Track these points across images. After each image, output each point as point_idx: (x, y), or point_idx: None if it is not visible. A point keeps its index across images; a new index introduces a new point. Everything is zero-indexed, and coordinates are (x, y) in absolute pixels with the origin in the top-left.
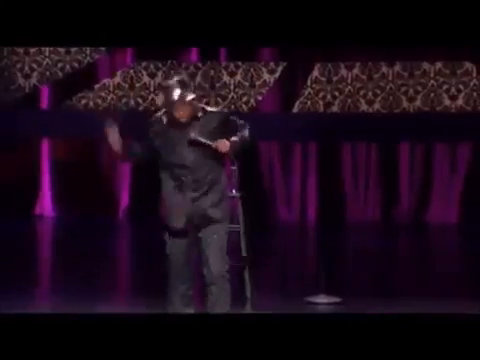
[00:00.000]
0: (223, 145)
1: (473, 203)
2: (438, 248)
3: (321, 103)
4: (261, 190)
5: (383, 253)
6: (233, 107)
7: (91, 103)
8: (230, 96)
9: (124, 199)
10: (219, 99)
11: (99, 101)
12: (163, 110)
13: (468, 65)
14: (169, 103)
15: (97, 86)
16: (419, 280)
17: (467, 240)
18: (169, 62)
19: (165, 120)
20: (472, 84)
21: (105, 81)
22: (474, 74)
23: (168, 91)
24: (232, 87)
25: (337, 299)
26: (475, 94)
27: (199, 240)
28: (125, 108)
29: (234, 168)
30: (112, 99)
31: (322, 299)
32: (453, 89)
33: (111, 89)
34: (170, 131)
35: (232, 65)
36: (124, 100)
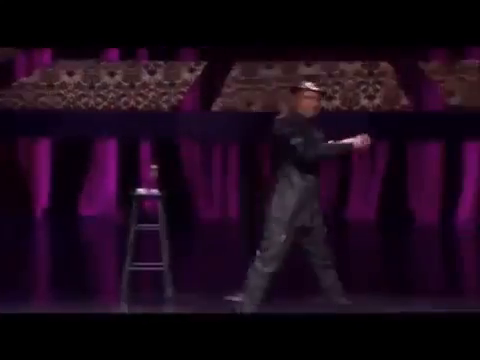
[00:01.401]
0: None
1: (390, 201)
2: (357, 246)
3: (242, 102)
4: (182, 189)
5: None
6: (154, 106)
7: (8, 102)
8: (150, 95)
9: (43, 199)
10: (139, 98)
11: (16, 100)
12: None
13: (385, 65)
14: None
15: (14, 84)
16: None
17: (385, 238)
18: (89, 61)
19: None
20: (389, 84)
21: (23, 79)
22: (391, 74)
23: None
24: (153, 86)
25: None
26: (392, 94)
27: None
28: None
29: (155, 167)
30: (29, 97)
31: (242, 298)
32: (370, 89)
33: (29, 88)
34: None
35: (152, 64)
36: (41, 99)
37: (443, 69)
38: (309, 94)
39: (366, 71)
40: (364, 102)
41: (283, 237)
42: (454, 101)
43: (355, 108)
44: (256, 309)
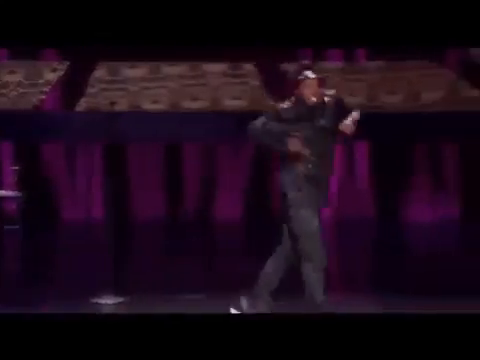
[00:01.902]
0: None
1: (256, 201)
2: (224, 245)
3: (106, 102)
4: (45, 190)
5: (169, 252)
6: (15, 106)
7: None
8: (12, 95)
9: None
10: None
11: None
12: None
13: (249, 66)
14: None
15: None
16: (207, 278)
17: (251, 237)
18: None
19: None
20: (254, 85)
21: None
22: (255, 75)
23: None
24: (13, 86)
25: (121, 299)
26: (257, 95)
27: None
28: None
29: (15, 168)
30: None
31: (107, 299)
32: (236, 90)
33: None
34: None
35: (12, 64)
36: None
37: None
38: (309, 82)
39: (231, 72)
40: (229, 103)
41: (315, 222)
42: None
43: (220, 109)
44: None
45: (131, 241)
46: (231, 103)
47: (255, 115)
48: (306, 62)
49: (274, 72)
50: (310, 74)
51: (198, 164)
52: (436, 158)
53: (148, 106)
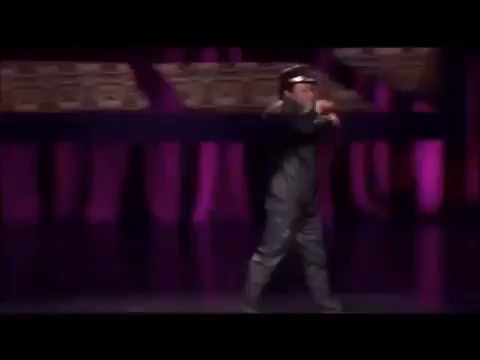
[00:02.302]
0: None
1: (131, 201)
2: (98, 247)
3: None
4: None
5: (43, 253)
6: None
7: None
8: None
9: None
10: None
11: None
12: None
13: (123, 66)
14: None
15: None
16: (83, 279)
17: (125, 238)
18: None
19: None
20: (127, 85)
21: None
22: (128, 75)
23: None
24: None
25: None
26: (130, 95)
27: None
28: None
29: None
30: None
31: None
32: (109, 90)
33: None
34: None
35: None
36: None
37: (178, 71)
38: (302, 87)
39: (104, 72)
40: (104, 103)
41: (287, 231)
42: (190, 102)
43: (95, 109)
44: (257, 308)
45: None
46: (105, 103)
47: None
48: (302, 65)
49: (148, 72)
50: (306, 78)
51: (71, 164)
52: None
53: (19, 107)
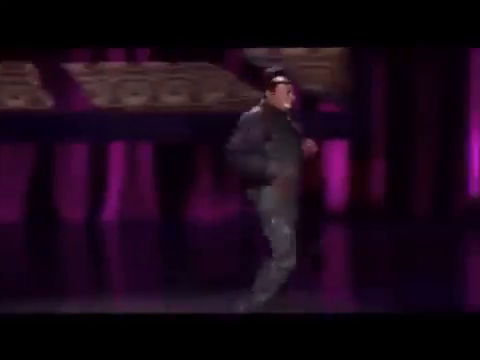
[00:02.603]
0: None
1: (38, 201)
2: (3, 247)
3: None
4: None
5: None
6: None
7: None
8: None
9: None
10: None
11: None
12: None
13: (29, 66)
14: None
15: None
16: None
17: (31, 238)
18: None
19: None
20: (33, 84)
21: None
22: (34, 75)
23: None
24: None
25: None
26: (36, 95)
27: None
28: None
29: None
30: None
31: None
32: (14, 89)
33: None
34: None
35: None
36: None
37: (85, 70)
38: (284, 87)
39: (8, 71)
40: (9, 102)
41: (287, 228)
42: (98, 102)
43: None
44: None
45: None
46: (11, 102)
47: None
48: (279, 67)
49: (55, 71)
50: (283, 79)
51: None
52: (218, 158)
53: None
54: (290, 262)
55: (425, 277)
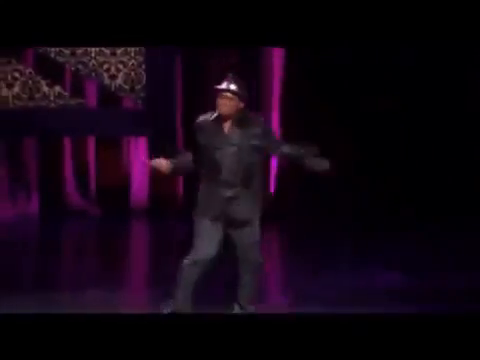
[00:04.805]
0: None
1: None
2: None
3: None
4: None
5: None
6: None
7: None
8: None
9: None
10: None
11: None
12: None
13: None
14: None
15: None
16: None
17: None
18: None
19: None
20: None
21: None
22: None
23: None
24: None
25: None
26: None
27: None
28: None
29: None
30: None
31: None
32: None
33: None
34: None
35: None
36: None
37: None
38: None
39: None
40: None
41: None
42: None
43: None
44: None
45: None
46: None
47: None
48: (230, 74)
49: None
50: (224, 86)
51: None
52: (16, 154)
53: None
54: (202, 251)
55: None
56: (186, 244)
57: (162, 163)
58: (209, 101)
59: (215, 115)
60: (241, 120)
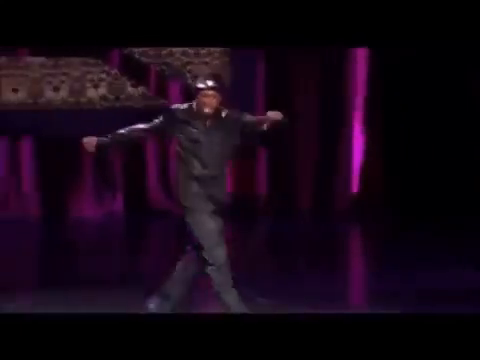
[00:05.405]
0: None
1: None
2: None
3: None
4: None
5: None
6: None
7: None
8: None
9: None
10: None
11: None
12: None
13: None
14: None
15: None
16: None
17: None
18: None
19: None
20: None
21: None
22: None
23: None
24: None
25: None
26: None
27: None
28: None
29: None
30: None
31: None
32: None
33: None
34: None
35: None
36: None
37: None
38: (205, 92)
39: None
40: None
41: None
42: None
43: None
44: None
45: None
46: None
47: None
48: (214, 73)
49: None
50: (204, 86)
51: None
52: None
53: None
54: (218, 253)
55: (307, 273)
56: (269, 244)
57: (89, 140)
58: (292, 103)
59: (193, 108)
60: (219, 113)
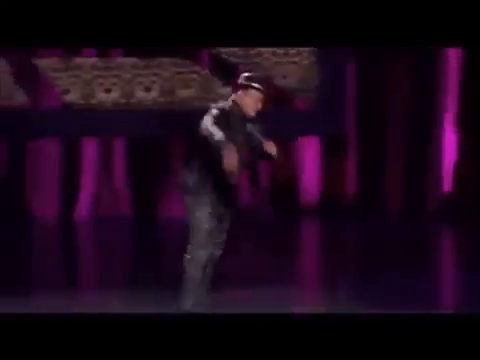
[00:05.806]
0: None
1: (9, 201)
2: None
3: None
4: None
5: None
6: None
7: None
8: None
9: None
10: None
11: None
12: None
13: (1, 62)
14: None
15: None
16: None
17: (4, 237)
18: None
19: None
20: (4, 80)
21: None
22: (7, 71)
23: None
24: None
25: None
26: (8, 90)
27: None
28: None
29: None
30: None
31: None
32: None
33: None
34: None
35: None
36: None
37: (58, 66)
38: (254, 93)
39: None
40: None
41: (210, 223)
42: (69, 98)
43: None
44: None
45: None
46: None
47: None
48: (259, 74)
49: (26, 67)
50: (259, 86)
51: None
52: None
53: None
54: (202, 253)
55: (396, 274)
56: (357, 244)
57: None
58: (384, 103)
59: (234, 108)
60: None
